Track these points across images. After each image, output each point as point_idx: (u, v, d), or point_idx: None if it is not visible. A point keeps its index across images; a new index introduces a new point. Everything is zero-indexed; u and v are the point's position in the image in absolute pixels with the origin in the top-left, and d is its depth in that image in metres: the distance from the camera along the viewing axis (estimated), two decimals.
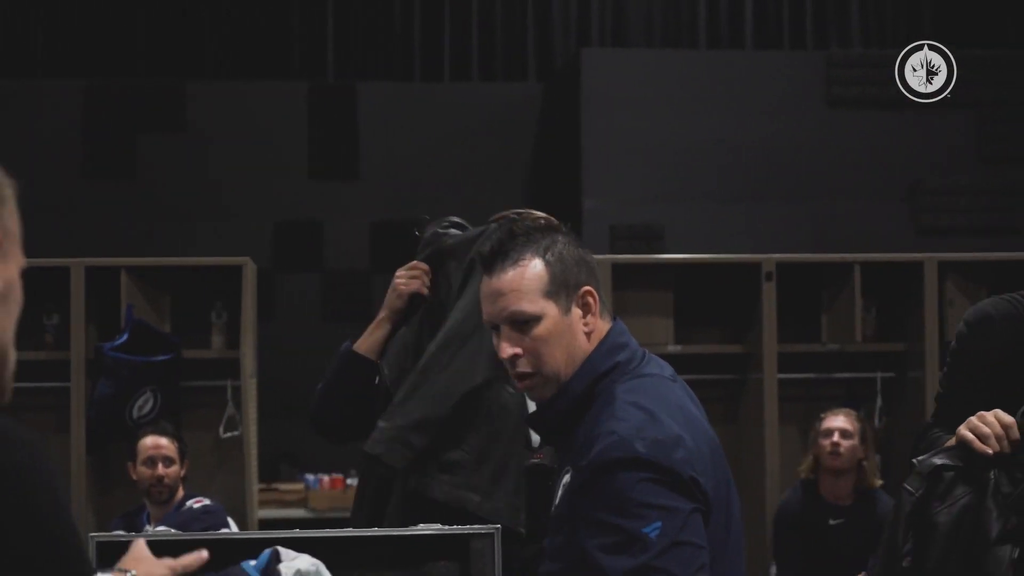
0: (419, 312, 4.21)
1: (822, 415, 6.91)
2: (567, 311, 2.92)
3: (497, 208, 12.42)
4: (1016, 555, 3.03)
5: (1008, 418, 3.14)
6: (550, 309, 2.90)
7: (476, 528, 3.55)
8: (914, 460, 3.22)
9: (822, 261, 7.86)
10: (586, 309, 2.93)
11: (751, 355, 7.55)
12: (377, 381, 4.17)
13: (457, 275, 4.14)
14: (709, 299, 7.74)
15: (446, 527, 3.59)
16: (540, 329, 2.90)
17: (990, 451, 3.10)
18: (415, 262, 4.21)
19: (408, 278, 4.18)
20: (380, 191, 11.41)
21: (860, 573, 6.21)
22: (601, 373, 2.92)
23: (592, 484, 2.78)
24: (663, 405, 2.87)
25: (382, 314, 4.22)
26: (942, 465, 3.14)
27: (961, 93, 10.46)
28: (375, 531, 3.68)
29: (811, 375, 7.61)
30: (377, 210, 11.35)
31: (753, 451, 7.38)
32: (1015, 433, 3.12)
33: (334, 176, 11.52)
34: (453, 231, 4.23)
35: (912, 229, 10.30)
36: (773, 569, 7.13)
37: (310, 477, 10.01)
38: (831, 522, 6.82)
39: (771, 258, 7.53)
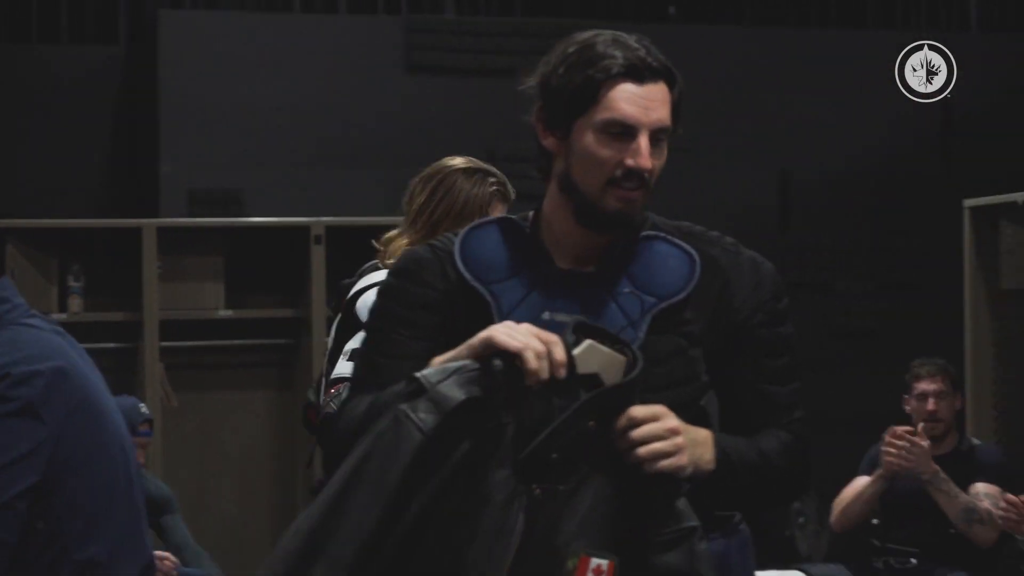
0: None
1: None
2: None
3: (80, 176, 11.88)
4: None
5: (549, 335, 2.39)
6: None
7: None
8: (418, 375, 2.40)
9: (373, 224, 7.89)
10: None
11: (303, 319, 7.58)
12: None
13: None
14: (261, 263, 7.73)
15: None
16: None
17: (545, 377, 2.35)
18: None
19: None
20: None
21: None
22: None
23: None
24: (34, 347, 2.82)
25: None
26: (468, 400, 2.34)
27: (535, 61, 10.68)
28: None
29: None
30: None
31: None
32: (561, 353, 2.38)
33: None
34: None
35: None
36: None
37: None
38: None
39: (320, 221, 7.56)
